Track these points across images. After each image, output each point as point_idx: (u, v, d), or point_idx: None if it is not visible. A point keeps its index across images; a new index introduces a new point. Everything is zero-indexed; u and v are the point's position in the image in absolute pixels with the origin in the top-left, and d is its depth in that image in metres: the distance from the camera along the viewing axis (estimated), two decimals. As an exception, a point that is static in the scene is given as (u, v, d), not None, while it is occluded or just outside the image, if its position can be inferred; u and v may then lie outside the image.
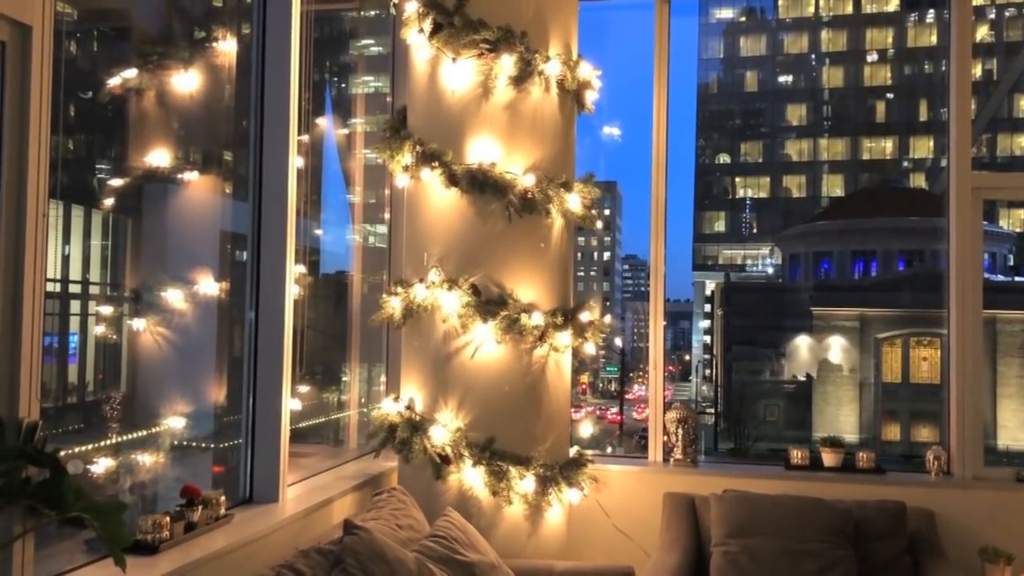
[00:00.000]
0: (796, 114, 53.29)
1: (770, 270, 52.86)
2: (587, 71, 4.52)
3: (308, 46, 4.20)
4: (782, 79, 53.92)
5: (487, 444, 4.16)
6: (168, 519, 3.04)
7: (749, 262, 54.92)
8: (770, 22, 55.63)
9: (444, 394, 4.26)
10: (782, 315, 37.81)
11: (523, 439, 4.25)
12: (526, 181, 4.21)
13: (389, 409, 4.42)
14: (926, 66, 48.83)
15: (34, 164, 2.38)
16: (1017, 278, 34.90)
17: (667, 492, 4.73)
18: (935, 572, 4.16)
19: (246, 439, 3.83)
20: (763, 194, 54.12)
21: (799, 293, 38.16)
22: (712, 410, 39.91)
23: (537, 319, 4.21)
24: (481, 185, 4.20)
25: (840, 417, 34.09)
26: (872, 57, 51.70)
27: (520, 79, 4.23)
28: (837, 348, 34.87)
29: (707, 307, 53.83)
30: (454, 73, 4.27)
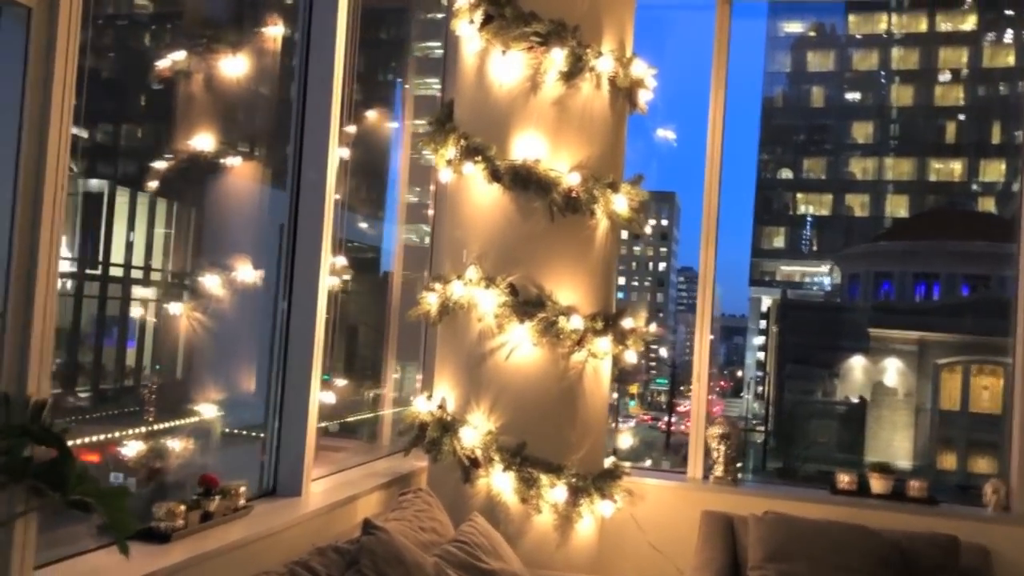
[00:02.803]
0: (862, 132, 52.21)
1: (828, 288, 51.87)
2: (641, 69, 4.37)
3: (354, 36, 4.12)
4: (849, 96, 52.89)
5: (518, 449, 4.03)
6: (183, 508, 2.96)
7: (807, 279, 53.99)
8: (839, 38, 54.63)
9: (476, 395, 4.14)
10: (838, 335, 37.07)
11: (556, 446, 4.10)
12: (571, 180, 4.08)
13: (421, 407, 4.31)
14: (1001, 87, 47.48)
15: (55, 137, 2.32)
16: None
17: (705, 510, 4.55)
18: (987, 612, 3.91)
19: (271, 430, 3.75)
20: (824, 211, 53.10)
21: (857, 313, 37.39)
22: (762, 428, 39.28)
23: (576, 323, 4.07)
24: (524, 182, 4.07)
25: (894, 442, 33.24)
26: (944, 76, 50.45)
27: (570, 74, 4.09)
28: (893, 371, 34.03)
29: (762, 323, 53.02)
30: (503, 66, 4.15)
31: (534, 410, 4.10)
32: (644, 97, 4.49)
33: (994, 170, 47.90)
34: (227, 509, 3.20)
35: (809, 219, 53.60)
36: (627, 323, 4.35)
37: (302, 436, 3.71)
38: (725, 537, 4.40)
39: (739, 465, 5.06)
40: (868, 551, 4.00)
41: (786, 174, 54.10)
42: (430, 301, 4.30)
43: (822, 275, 52.06)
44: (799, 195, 53.70)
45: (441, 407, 4.23)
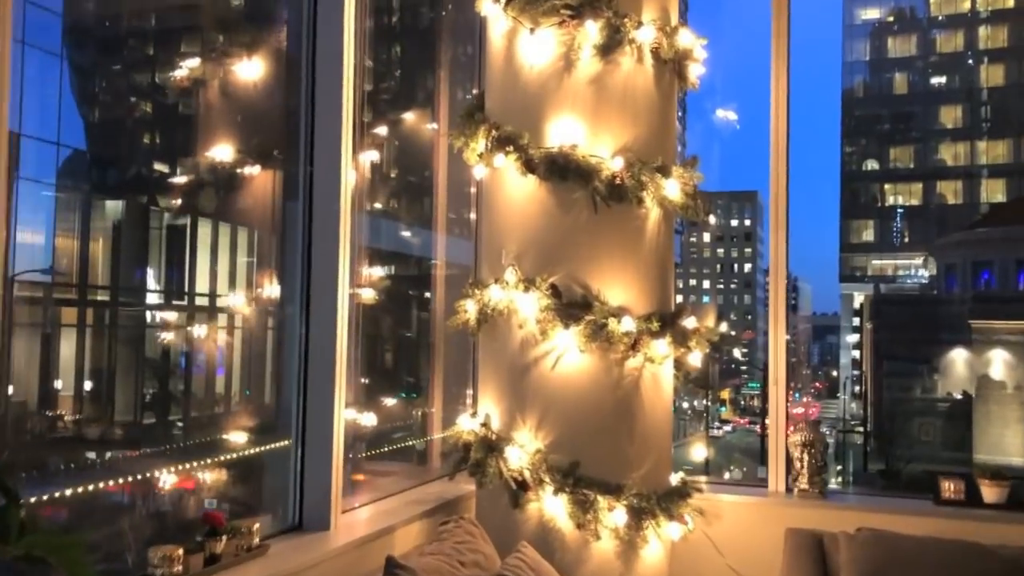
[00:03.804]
0: (951, 116, 50.25)
1: (924, 281, 49.97)
2: (688, 39, 3.92)
3: (362, 35, 3.80)
4: (935, 80, 50.93)
5: (571, 469, 3.60)
6: (181, 552, 2.64)
7: (900, 273, 52.14)
8: (920, 20, 52.77)
9: (522, 410, 3.73)
10: (937, 328, 35.56)
11: (613, 464, 3.67)
12: (614, 165, 3.65)
13: (464, 426, 3.93)
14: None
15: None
16: None
17: (789, 528, 4.03)
18: None
19: (295, 459, 3.42)
20: (915, 201, 51.24)
21: (956, 305, 35.78)
22: (861, 429, 37.79)
23: (628, 325, 3.63)
24: (562, 171, 3.66)
25: (1005, 438, 31.52)
26: (1037, 52, 48.15)
27: (607, 48, 3.68)
28: (999, 363, 32.31)
29: (855, 320, 51.26)
30: (532, 46, 3.76)
31: (586, 424, 3.68)
32: (695, 71, 4.04)
33: (1096, 146, 45.45)
34: (238, 550, 2.87)
35: (899, 210, 51.74)
36: (688, 322, 3.90)
37: (327, 465, 3.37)
38: (814, 558, 3.88)
39: (827, 475, 4.53)
40: (982, 572, 3.44)
41: (872, 165, 52.39)
42: (468, 309, 3.93)
43: (916, 267, 50.20)
44: (887, 186, 51.93)
45: (485, 425, 3.84)
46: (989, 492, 4.09)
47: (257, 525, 3.00)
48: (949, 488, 4.16)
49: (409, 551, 3.32)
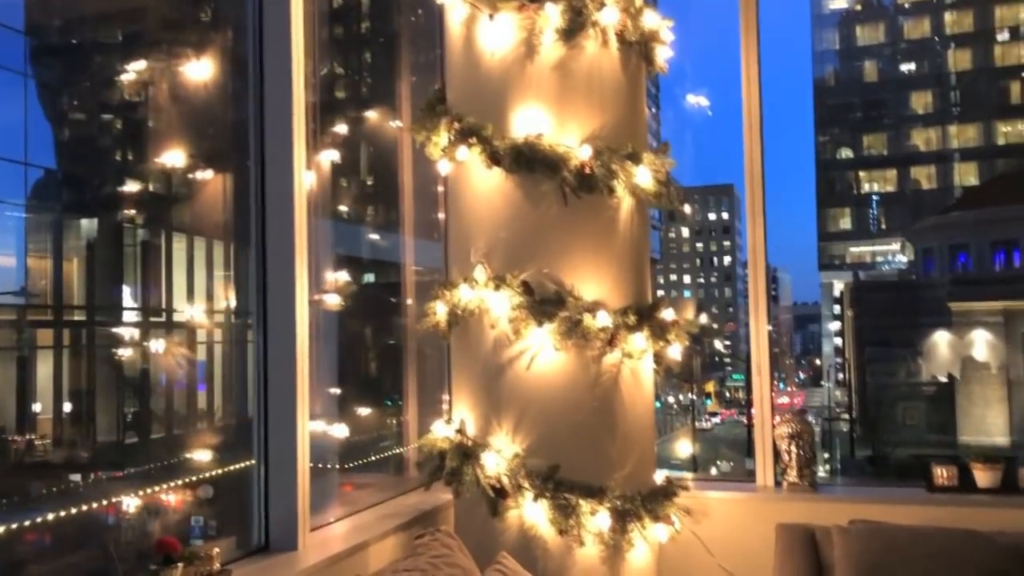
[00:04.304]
0: (921, 102, 50.55)
1: (902, 266, 50.29)
2: (654, 20, 3.78)
3: (314, 35, 3.63)
4: (904, 67, 51.21)
5: (550, 473, 3.44)
6: (132, 583, 2.45)
7: (879, 259, 52.41)
8: (887, 8, 53.09)
9: (497, 414, 3.57)
10: (917, 313, 35.74)
11: (595, 466, 3.51)
12: (582, 154, 3.50)
13: (440, 433, 3.76)
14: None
15: None
16: None
17: (780, 524, 3.89)
18: None
19: (259, 476, 3.24)
20: (890, 187, 51.50)
21: (934, 289, 35.96)
22: (847, 416, 37.88)
23: (604, 319, 3.48)
24: (528, 162, 3.51)
25: (987, 419, 31.74)
26: (1003, 36, 48.51)
27: (570, 32, 3.52)
28: (982, 344, 32.50)
29: (836, 308, 51.47)
30: (492, 32, 3.60)
31: (565, 425, 3.52)
32: (662, 54, 3.90)
33: (1070, 126, 45.88)
34: (197, 576, 2.69)
35: (874, 197, 51.97)
36: (666, 315, 3.75)
37: (292, 481, 3.19)
38: (807, 554, 3.74)
39: (816, 466, 4.40)
40: (980, 561, 3.31)
41: (846, 153, 52.62)
42: (437, 311, 3.77)
43: (894, 253, 50.49)
44: (862, 173, 52.19)
45: (460, 431, 3.68)
46: (982, 476, 3.96)
47: (217, 549, 2.82)
48: (941, 474, 4.03)
49: (383, 568, 3.14)
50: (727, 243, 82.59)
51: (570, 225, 3.56)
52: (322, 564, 3.08)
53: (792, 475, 4.18)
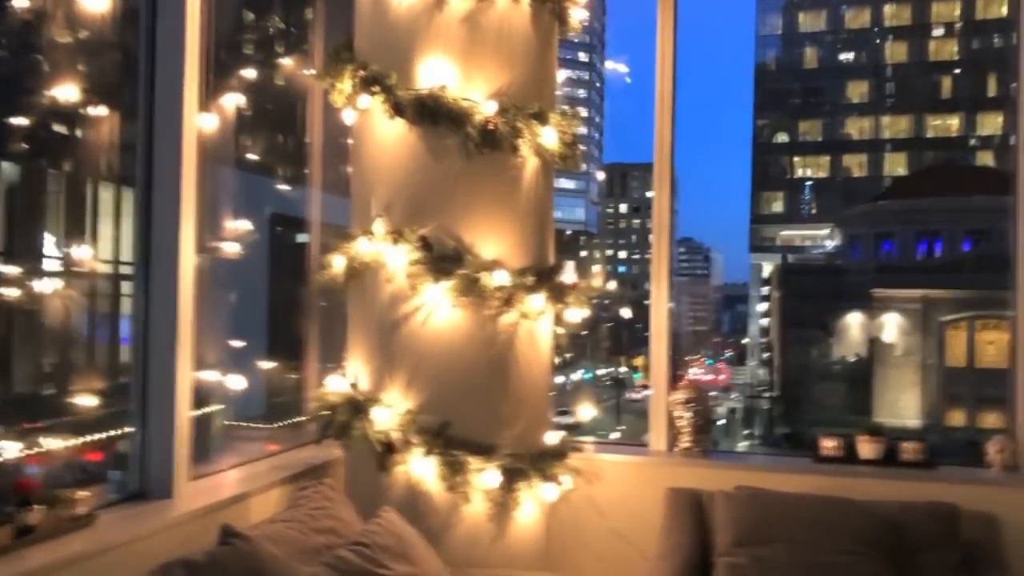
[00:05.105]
0: (857, 91, 51.46)
1: (830, 251, 51.36)
2: (567, -23, 3.74)
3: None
4: (843, 56, 52.03)
5: (441, 429, 3.43)
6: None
7: (808, 243, 53.45)
8: (830, -4, 53.75)
9: (391, 369, 3.54)
10: (841, 297, 36.57)
11: (486, 424, 3.51)
12: (487, 109, 3.45)
13: (333, 387, 3.71)
14: (995, 39, 46.60)
15: None
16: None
17: (670, 487, 3.95)
18: (997, 593, 3.33)
19: (137, 423, 3.15)
20: (823, 173, 52.43)
21: (859, 274, 36.82)
22: (768, 394, 38.81)
23: (501, 279, 3.46)
24: (432, 114, 3.45)
25: (900, 402, 32.80)
26: (938, 31, 49.59)
27: (480, -16, 3.46)
28: (892, 327, 33.52)
29: (764, 289, 52.45)
30: (401, -19, 3.52)
31: (459, 383, 3.51)
32: (576, 15, 3.86)
33: (991, 123, 47.17)
34: (58, 521, 2.61)
35: (807, 182, 52.91)
36: (566, 277, 3.75)
37: (170, 428, 3.11)
38: (693, 518, 3.81)
39: (712, 435, 4.47)
40: (855, 528, 3.41)
41: (782, 138, 53.37)
42: (336, 264, 3.70)
43: (822, 238, 51.55)
44: (796, 159, 53.03)
45: (353, 386, 3.63)
46: (866, 448, 4.07)
47: (85, 494, 2.74)
48: (828, 445, 4.14)
49: (264, 520, 3.10)
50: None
51: (473, 182, 3.52)
52: (194, 513, 3.02)
53: (685, 441, 4.24)
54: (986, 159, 46.47)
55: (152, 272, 3.17)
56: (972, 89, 47.50)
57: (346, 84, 3.61)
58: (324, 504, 3.17)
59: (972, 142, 48.25)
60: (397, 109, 3.48)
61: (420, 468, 3.44)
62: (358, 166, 3.77)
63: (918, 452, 4.04)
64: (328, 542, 2.96)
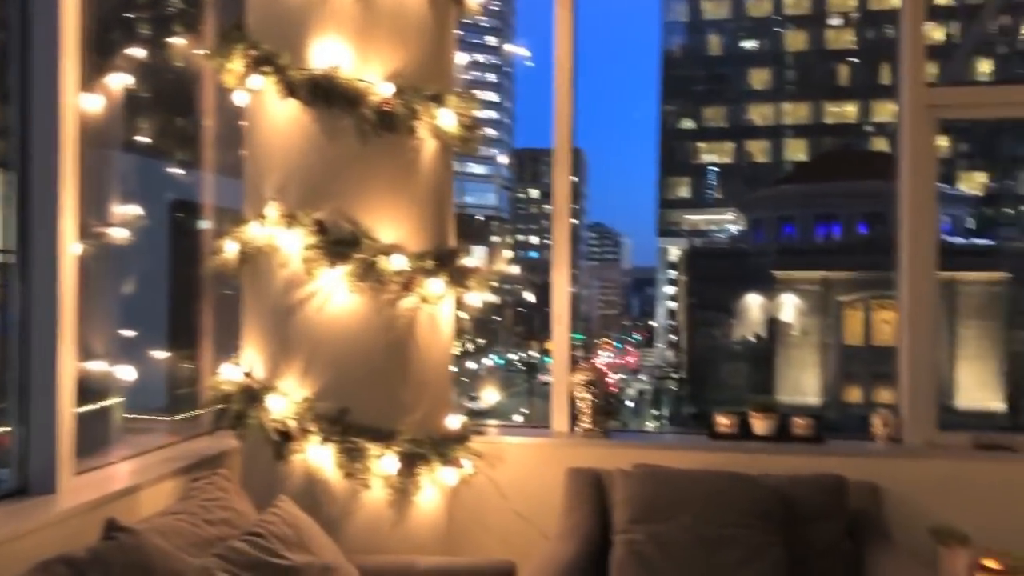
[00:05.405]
0: (759, 79, 52.70)
1: (735, 235, 52.60)
2: (463, -43, 3.71)
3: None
4: (746, 43, 53.22)
5: (339, 416, 3.38)
6: None
7: (713, 227, 54.66)
8: (733, -16, 54.81)
9: (287, 357, 3.47)
10: (745, 280, 37.54)
11: (386, 410, 3.47)
12: (383, 90, 3.41)
13: (227, 376, 3.62)
14: (888, 29, 48.39)
15: None
16: (977, 240, 34.74)
17: (570, 468, 4.00)
18: (879, 559, 3.47)
19: (15, 417, 3.01)
20: (727, 159, 53.64)
21: (762, 257, 37.87)
22: (676, 375, 39.69)
23: (400, 263, 3.43)
24: (326, 95, 3.38)
25: (802, 380, 33.95)
26: (835, 20, 51.15)
27: (373, -36, 3.41)
28: (789, 307, 34.67)
29: (672, 273, 53.50)
30: (292, -42, 3.43)
31: (357, 369, 3.46)
32: (474, -4, 3.84)
33: (886, 110, 48.99)
34: (-74, 520, 2.48)
35: (712, 168, 54.08)
36: (467, 261, 3.74)
37: (52, 421, 2.98)
38: (593, 497, 3.87)
39: (615, 416, 4.54)
40: (747, 501, 3.51)
41: (688, 124, 54.35)
42: (228, 249, 3.61)
43: (727, 222, 52.80)
44: (701, 144, 54.12)
45: (248, 374, 3.55)
46: (759, 425, 4.20)
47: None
48: (723, 422, 4.25)
49: (154, 513, 3.01)
50: (575, 206, 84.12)
51: (370, 164, 3.47)
52: (79, 508, 2.90)
53: (586, 422, 4.29)
54: (881, 145, 48.24)
55: (31, 259, 3.02)
56: (867, 77, 49.15)
57: (237, 64, 3.50)
58: (218, 495, 3.09)
59: (868, 129, 49.99)
60: (290, 90, 3.40)
61: (318, 456, 3.39)
62: (251, 149, 3.67)
63: (808, 427, 4.19)
64: (222, 533, 2.90)
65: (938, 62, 39.82)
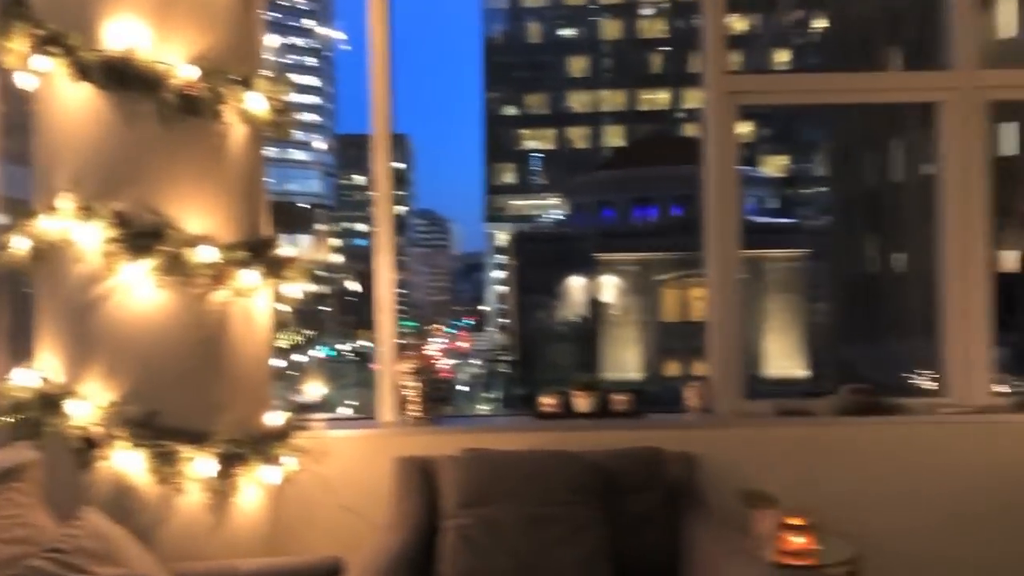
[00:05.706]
0: (578, 66, 54.04)
1: (559, 219, 53.82)
2: (268, -62, 3.57)
3: None
4: (564, 31, 54.42)
5: (148, 419, 3.20)
6: None
7: (537, 212, 55.74)
8: (549, -29, 55.82)
9: (87, 359, 3.24)
10: (569, 263, 38.56)
11: (200, 410, 3.32)
12: (184, 73, 3.23)
13: (20, 382, 3.34)
14: (696, 19, 50.74)
15: None
16: (779, 220, 37.16)
17: (397, 457, 3.96)
18: (694, 524, 3.66)
19: None
20: (549, 145, 54.77)
21: (585, 241, 38.98)
22: (507, 358, 40.35)
23: (209, 254, 3.27)
24: (122, 78, 3.17)
25: (625, 356, 35.33)
26: (647, 10, 53.17)
27: (170, -61, 3.22)
28: (613, 289, 36.05)
29: (500, 258, 54.23)
30: (78, -71, 3.19)
31: (167, 369, 3.28)
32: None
33: (695, 97, 51.38)
34: None
35: (535, 154, 55.12)
36: (284, 251, 3.61)
37: None
38: (422, 485, 3.85)
39: (444, 402, 4.54)
40: (570, 477, 3.60)
41: (510, 111, 55.08)
42: (17, 244, 3.32)
43: (551, 207, 54.02)
44: (524, 131, 55.00)
45: (44, 379, 3.29)
46: (581, 403, 4.32)
47: None
48: (546, 403, 4.34)
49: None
50: (402, 193, 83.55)
51: (173, 151, 3.29)
52: None
53: (413, 410, 4.27)
54: (692, 131, 50.64)
55: None
56: (678, 66, 51.36)
57: (18, 44, 3.22)
58: (14, 512, 2.85)
59: (679, 115, 52.32)
60: (82, 72, 3.16)
61: (126, 462, 3.20)
62: (41, 136, 3.39)
63: (628, 403, 4.35)
64: (22, 552, 2.67)
65: (742, 52, 42.27)
